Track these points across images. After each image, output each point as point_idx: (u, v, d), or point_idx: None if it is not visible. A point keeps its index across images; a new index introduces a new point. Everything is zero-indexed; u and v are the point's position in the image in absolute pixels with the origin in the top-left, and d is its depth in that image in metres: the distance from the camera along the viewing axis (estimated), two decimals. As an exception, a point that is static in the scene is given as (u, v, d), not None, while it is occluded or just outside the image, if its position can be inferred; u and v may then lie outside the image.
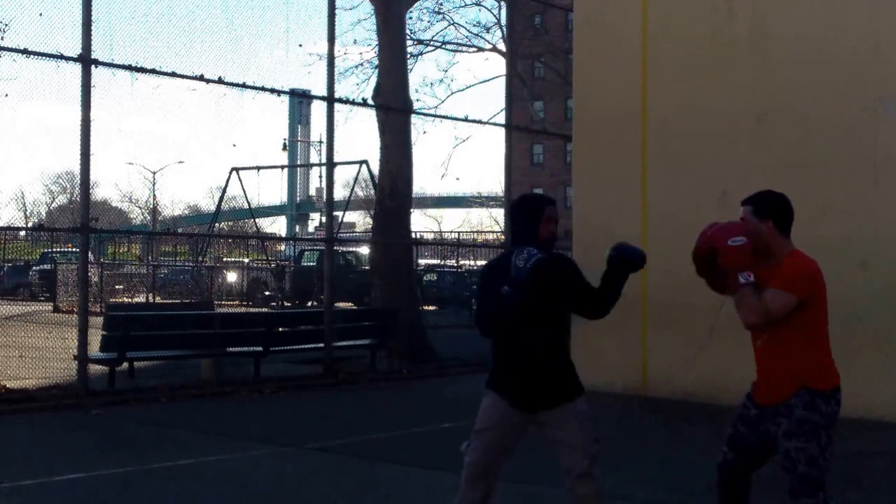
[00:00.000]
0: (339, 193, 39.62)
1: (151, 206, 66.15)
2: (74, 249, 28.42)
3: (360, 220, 58.51)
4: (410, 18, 25.62)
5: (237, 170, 33.00)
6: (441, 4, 30.47)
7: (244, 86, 12.47)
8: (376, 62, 17.87)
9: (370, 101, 15.48)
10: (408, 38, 23.03)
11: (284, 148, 52.72)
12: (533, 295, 4.49)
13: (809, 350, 4.52)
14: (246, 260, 34.14)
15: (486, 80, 37.65)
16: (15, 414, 9.91)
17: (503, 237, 19.53)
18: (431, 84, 47.33)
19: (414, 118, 16.51)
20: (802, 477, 4.35)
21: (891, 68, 10.34)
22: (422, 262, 30.95)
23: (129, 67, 11.29)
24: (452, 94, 61.99)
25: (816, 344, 4.55)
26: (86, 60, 10.80)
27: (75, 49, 10.78)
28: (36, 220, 63.45)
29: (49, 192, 74.09)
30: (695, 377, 11.02)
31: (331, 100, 13.66)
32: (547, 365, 4.58)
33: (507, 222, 4.40)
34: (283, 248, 33.55)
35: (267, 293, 29.53)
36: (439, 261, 36.71)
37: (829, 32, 10.71)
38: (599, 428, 4.72)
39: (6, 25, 11.33)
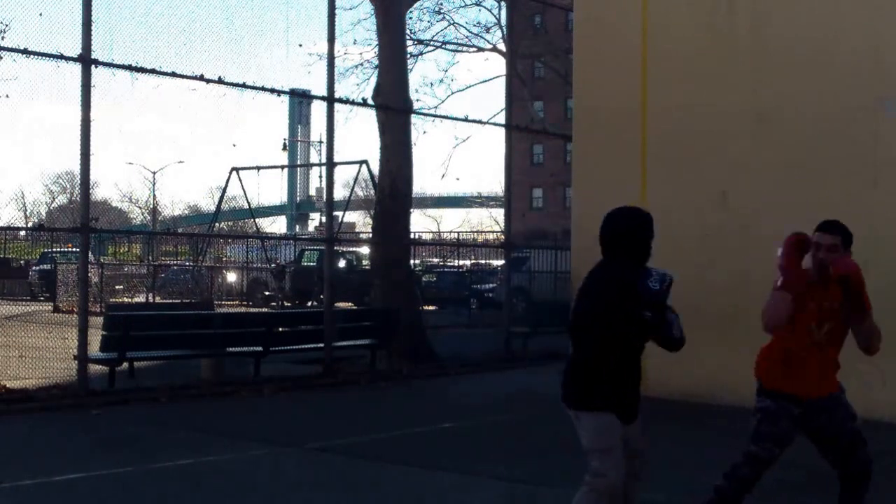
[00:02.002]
0: (339, 193, 39.65)
1: (151, 206, 66.19)
2: (74, 249, 28.42)
3: (360, 220, 58.49)
4: (410, 18, 25.66)
5: (237, 170, 33.00)
6: (441, 4, 30.46)
7: (244, 86, 12.47)
8: (376, 62, 17.89)
9: (370, 101, 15.48)
10: (408, 38, 23.04)
11: (284, 148, 52.73)
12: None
13: None
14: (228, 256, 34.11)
15: (486, 80, 37.68)
16: (15, 414, 9.91)
17: (503, 237, 19.50)
18: (431, 84, 47.16)
19: (414, 118, 16.52)
20: (867, 450, 5.34)
21: (891, 68, 10.33)
22: (417, 261, 30.89)
23: (129, 67, 11.28)
24: (452, 94, 61.73)
25: None
26: (86, 60, 10.79)
27: (75, 49, 10.79)
28: (36, 220, 63.55)
29: (49, 192, 74.25)
30: (695, 377, 11.02)
31: (331, 100, 13.65)
32: (638, 383, 5.01)
33: (639, 236, 4.85)
34: (229, 250, 33.53)
35: (267, 293, 29.53)
36: (438, 260, 36.68)
37: (829, 32, 10.71)
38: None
39: (6, 25, 11.35)
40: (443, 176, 58.75)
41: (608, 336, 4.71)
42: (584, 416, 4.75)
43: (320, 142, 43.81)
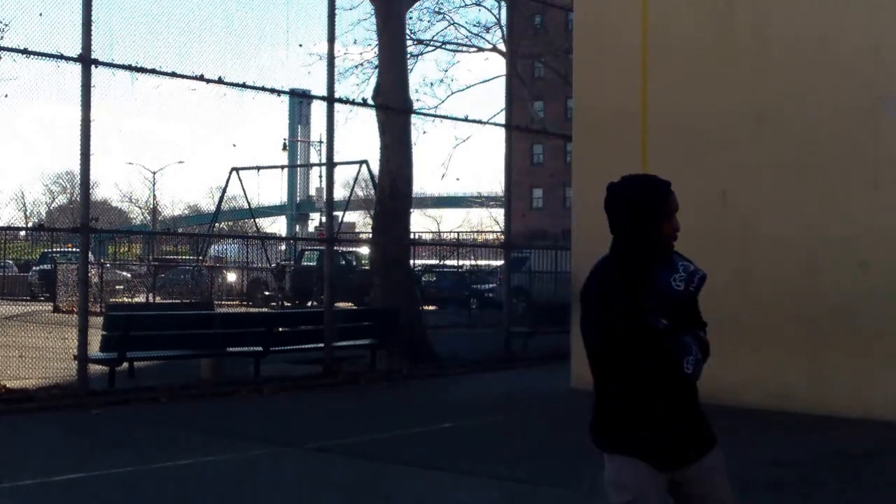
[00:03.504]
0: (339, 193, 39.60)
1: (151, 206, 66.21)
2: (74, 249, 28.42)
3: (360, 220, 58.50)
4: (410, 18, 25.63)
5: (237, 170, 33.00)
6: (441, 4, 30.59)
7: (244, 86, 12.47)
8: (376, 62, 17.89)
9: (370, 101, 15.48)
10: (408, 38, 23.03)
11: (284, 148, 52.70)
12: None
13: None
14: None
15: (486, 80, 37.79)
16: (15, 414, 9.91)
17: (503, 237, 19.51)
18: (431, 84, 47.33)
19: (414, 118, 16.52)
20: None
21: (891, 68, 10.33)
22: (418, 262, 30.91)
23: (129, 67, 11.29)
24: (452, 94, 61.63)
25: None
26: (86, 60, 10.79)
27: (75, 49, 10.79)
28: (36, 220, 63.55)
29: (49, 192, 74.27)
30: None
31: (331, 100, 13.65)
32: (691, 408, 3.56)
33: (621, 212, 3.50)
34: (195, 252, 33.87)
35: (267, 293, 29.54)
36: (437, 261, 36.67)
37: (829, 32, 10.71)
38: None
39: (6, 25, 11.36)
40: (443, 176, 58.94)
41: (616, 360, 3.43)
42: (605, 458, 3.58)
43: (320, 142, 43.81)
